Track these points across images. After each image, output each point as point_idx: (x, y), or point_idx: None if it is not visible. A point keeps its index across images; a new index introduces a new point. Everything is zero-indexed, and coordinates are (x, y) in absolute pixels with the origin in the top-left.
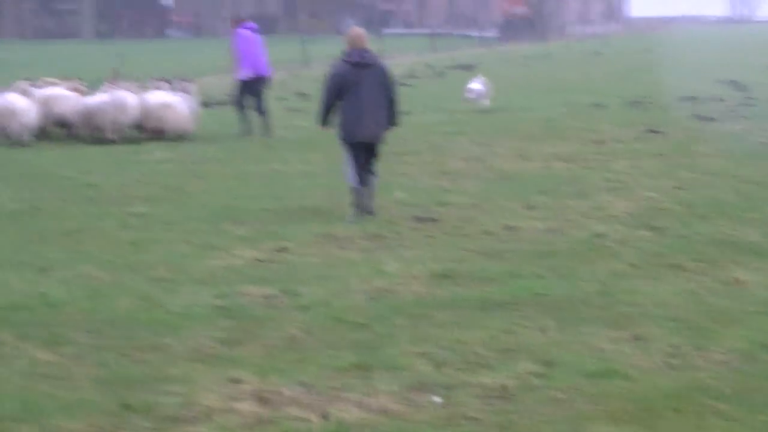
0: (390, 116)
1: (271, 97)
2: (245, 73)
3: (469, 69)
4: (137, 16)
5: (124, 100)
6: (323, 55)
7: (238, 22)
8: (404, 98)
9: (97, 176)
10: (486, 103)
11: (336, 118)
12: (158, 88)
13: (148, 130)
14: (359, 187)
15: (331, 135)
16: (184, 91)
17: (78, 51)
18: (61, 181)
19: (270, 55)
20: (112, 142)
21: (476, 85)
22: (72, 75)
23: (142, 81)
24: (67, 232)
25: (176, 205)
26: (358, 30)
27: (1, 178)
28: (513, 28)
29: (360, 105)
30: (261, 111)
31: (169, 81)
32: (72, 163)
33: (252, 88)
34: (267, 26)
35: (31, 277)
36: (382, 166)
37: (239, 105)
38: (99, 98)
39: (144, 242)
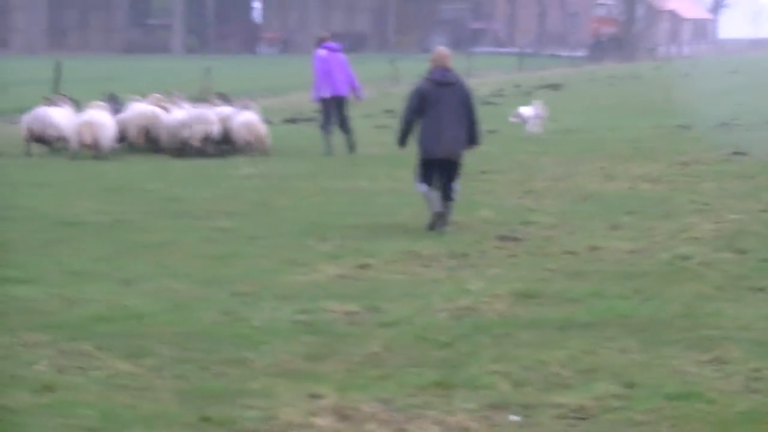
0: (470, 135)
1: (359, 114)
2: (320, 94)
3: (556, 88)
4: (227, 31)
5: (208, 115)
6: (412, 73)
7: (319, 41)
8: (491, 116)
9: (182, 190)
10: (534, 129)
11: (416, 135)
12: (246, 107)
13: (231, 144)
14: (428, 191)
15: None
16: (246, 108)
17: (168, 66)
18: (145, 194)
19: (358, 72)
20: (201, 154)
21: (527, 109)
22: (160, 89)
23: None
24: (151, 245)
25: (261, 221)
26: (441, 49)
27: (87, 191)
28: (602, 48)
29: (439, 122)
30: (345, 130)
31: (231, 99)
32: (157, 177)
33: (331, 108)
34: (356, 43)
35: (114, 289)
36: (467, 183)
37: (322, 125)
38: (183, 114)
39: (228, 257)
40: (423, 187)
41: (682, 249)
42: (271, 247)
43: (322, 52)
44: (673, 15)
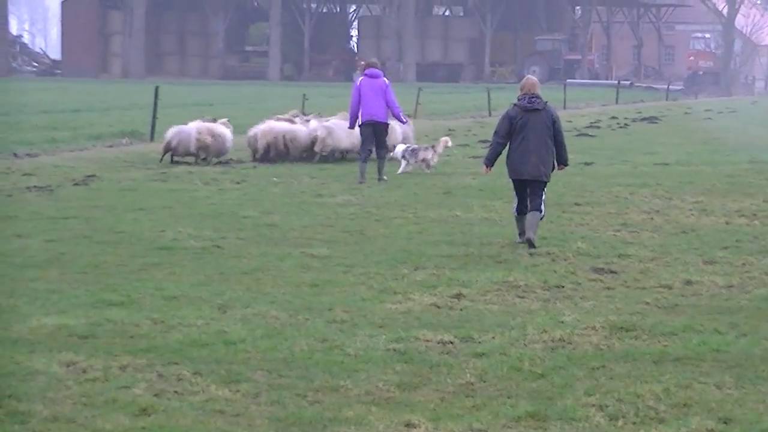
0: (559, 157)
1: (454, 143)
2: (353, 123)
3: (653, 121)
4: (324, 59)
5: (336, 128)
6: (507, 104)
7: (363, 68)
8: (587, 149)
9: (278, 217)
10: None
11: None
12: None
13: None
14: (519, 216)
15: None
16: None
17: (264, 92)
18: (242, 220)
19: (455, 102)
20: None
21: None
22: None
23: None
24: (247, 271)
25: (356, 249)
26: (529, 78)
27: (185, 217)
28: (698, 81)
29: (525, 145)
30: (378, 155)
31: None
32: (253, 203)
33: (366, 134)
34: (452, 73)
35: (210, 314)
36: (562, 215)
37: (361, 150)
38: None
39: (323, 284)
40: (515, 211)
41: None
42: (365, 275)
43: (362, 79)
44: None
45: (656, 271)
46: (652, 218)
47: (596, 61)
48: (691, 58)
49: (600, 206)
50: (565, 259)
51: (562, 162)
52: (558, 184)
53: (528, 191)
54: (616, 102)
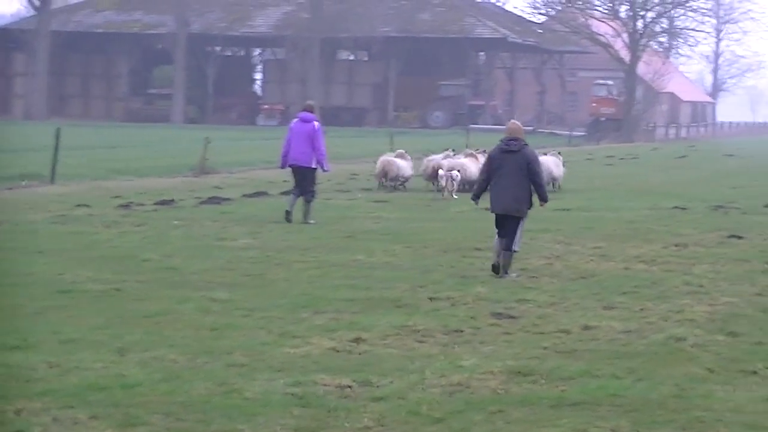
0: (538, 195)
1: (357, 187)
2: (284, 164)
3: None
4: (228, 102)
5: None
6: (411, 149)
7: (300, 110)
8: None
9: (179, 260)
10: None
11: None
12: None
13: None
14: (496, 242)
15: (418, 229)
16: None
17: (168, 135)
18: (142, 264)
19: (359, 146)
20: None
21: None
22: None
23: None
24: (146, 314)
25: (256, 292)
26: (513, 123)
27: (84, 259)
28: (600, 128)
29: (501, 183)
30: (305, 198)
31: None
32: (154, 247)
33: (294, 176)
34: (356, 118)
35: (108, 357)
36: (461, 260)
37: (293, 192)
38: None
39: (223, 328)
40: (495, 241)
41: (675, 330)
42: (265, 319)
43: (293, 122)
44: (673, 97)
45: (555, 316)
46: (551, 263)
47: (500, 106)
48: (594, 104)
49: None
50: (465, 304)
51: (541, 199)
52: (459, 229)
53: (506, 225)
54: None
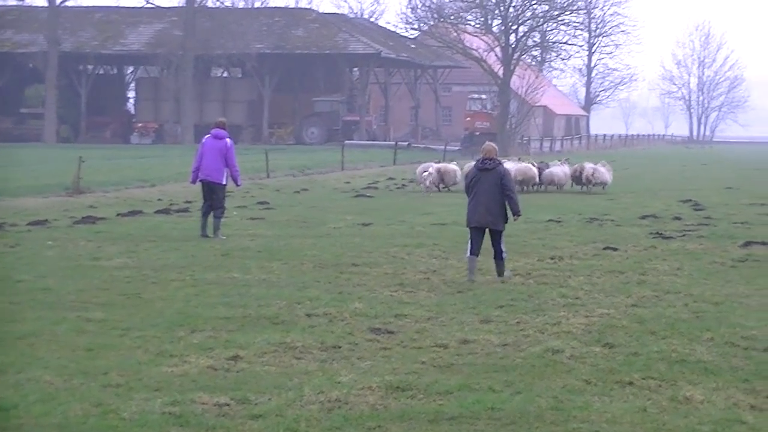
0: (511, 209)
1: (233, 205)
2: (195, 179)
3: None
4: (101, 121)
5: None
6: (286, 165)
7: (212, 127)
8: (365, 209)
9: (53, 280)
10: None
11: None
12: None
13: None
14: (471, 257)
15: (294, 245)
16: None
17: (40, 155)
18: (16, 285)
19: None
20: None
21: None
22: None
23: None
24: (20, 336)
25: (133, 312)
26: (488, 144)
27: None
28: (475, 142)
29: (477, 199)
30: (214, 214)
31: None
32: (28, 267)
33: (204, 192)
34: (231, 135)
35: None
36: (339, 276)
37: (201, 208)
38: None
39: (99, 348)
40: (467, 255)
41: (552, 343)
42: (142, 338)
43: (205, 138)
44: (546, 110)
45: (433, 330)
46: (428, 278)
47: (374, 122)
48: (468, 118)
49: (377, 267)
50: (342, 320)
51: (514, 213)
52: (336, 245)
53: (491, 239)
54: (394, 163)
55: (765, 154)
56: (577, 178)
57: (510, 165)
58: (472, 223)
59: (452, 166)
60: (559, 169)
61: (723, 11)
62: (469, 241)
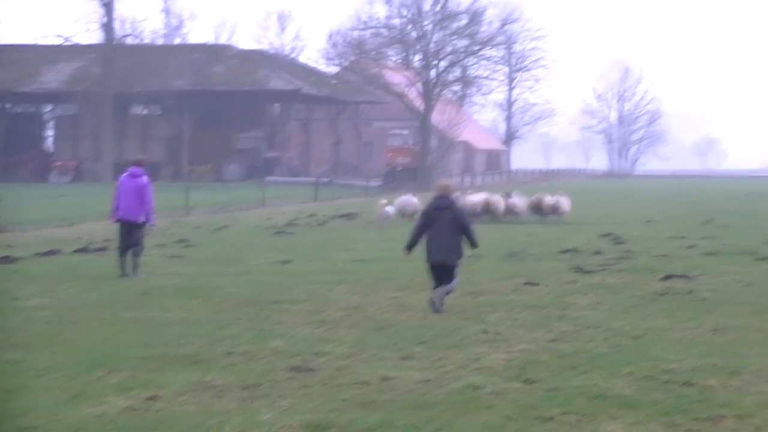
0: (469, 243)
1: (152, 243)
2: (114, 217)
3: (351, 218)
4: (18, 160)
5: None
6: (206, 203)
7: (130, 165)
8: (286, 246)
9: None
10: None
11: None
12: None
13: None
14: (437, 289)
15: (214, 283)
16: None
17: None
18: None
19: (153, 202)
20: None
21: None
22: None
23: None
24: None
25: (51, 352)
26: (443, 181)
27: None
28: (397, 178)
29: (435, 237)
30: (132, 252)
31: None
32: None
33: (122, 231)
34: (151, 173)
35: None
36: (259, 314)
37: (118, 248)
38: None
39: (16, 389)
40: (434, 288)
41: (472, 379)
42: (60, 379)
43: (122, 177)
44: (467, 145)
45: (354, 367)
46: (350, 314)
47: (296, 158)
48: (390, 154)
49: (298, 304)
50: (262, 358)
51: (473, 246)
52: (256, 282)
53: (441, 274)
54: (315, 199)
55: (684, 187)
56: (537, 208)
57: (480, 196)
58: (432, 261)
59: (414, 199)
60: (519, 200)
61: (642, 46)
62: (433, 279)
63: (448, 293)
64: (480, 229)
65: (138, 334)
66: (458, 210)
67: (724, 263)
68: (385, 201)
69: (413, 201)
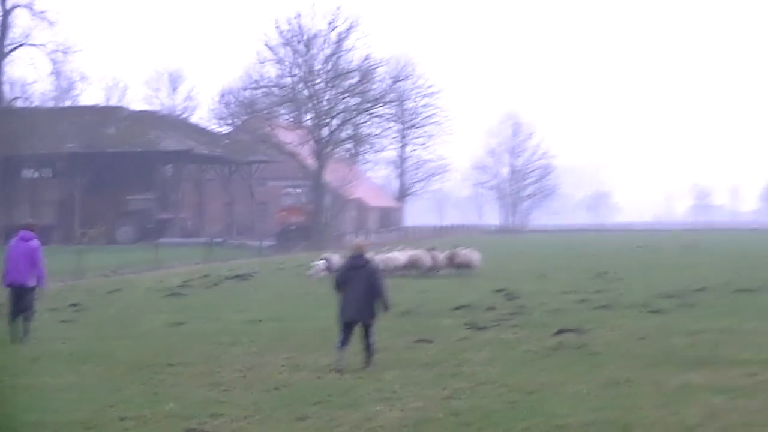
0: (381, 302)
1: (43, 308)
2: (4, 282)
3: (245, 278)
4: None
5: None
6: (98, 266)
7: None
8: (180, 308)
9: None
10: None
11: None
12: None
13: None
14: (341, 348)
15: (107, 347)
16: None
17: None
18: None
19: (45, 265)
20: None
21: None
22: None
23: None
24: None
25: None
26: (356, 240)
27: None
28: (291, 237)
29: (349, 295)
30: (23, 317)
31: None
32: None
33: (12, 296)
34: (42, 236)
35: None
36: (152, 377)
37: (9, 313)
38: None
39: None
40: (338, 346)
41: None
42: None
43: (12, 241)
44: (360, 203)
45: (248, 429)
46: (244, 376)
47: (189, 219)
48: (283, 213)
49: (192, 366)
50: (156, 422)
51: (386, 308)
52: (150, 345)
53: (363, 332)
54: (209, 260)
55: (576, 240)
56: (450, 261)
57: (405, 253)
58: (344, 318)
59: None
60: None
61: (533, 100)
62: (341, 333)
63: (371, 355)
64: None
65: (29, 401)
66: (372, 269)
67: (617, 316)
68: (322, 258)
69: (337, 258)
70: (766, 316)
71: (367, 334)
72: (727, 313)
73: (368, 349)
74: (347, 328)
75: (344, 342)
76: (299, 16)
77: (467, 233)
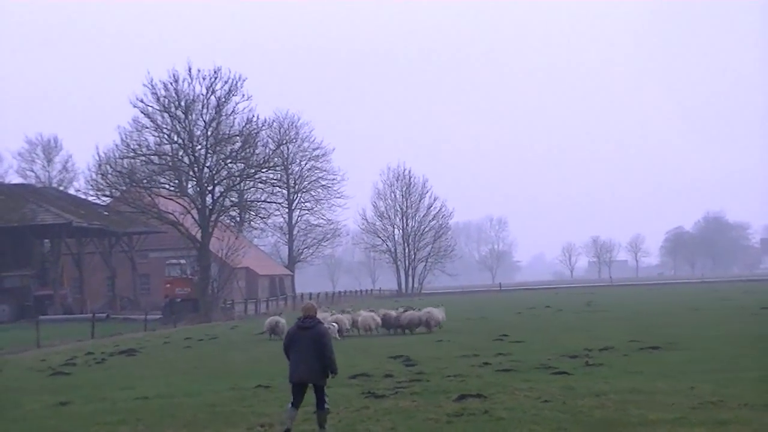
0: (326, 365)
1: None
2: None
3: (131, 354)
4: None
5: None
6: None
7: None
8: (62, 388)
9: None
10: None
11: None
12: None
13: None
14: (291, 409)
15: None
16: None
17: None
18: None
19: None
20: None
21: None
22: None
23: None
24: None
25: None
26: (308, 303)
27: None
28: (177, 309)
29: (297, 356)
30: None
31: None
32: None
33: None
34: None
35: None
36: None
37: None
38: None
39: None
40: (288, 406)
41: None
42: None
43: None
44: (249, 272)
45: None
46: None
47: (69, 295)
48: (168, 285)
49: None
50: None
51: (331, 371)
52: (31, 428)
53: (315, 393)
54: (92, 336)
55: (474, 302)
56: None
57: (367, 313)
58: (294, 380)
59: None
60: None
61: (425, 159)
62: (292, 396)
63: (325, 416)
64: (266, 355)
65: None
66: (322, 332)
67: (520, 380)
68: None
69: (281, 321)
70: (673, 375)
71: (319, 394)
72: (633, 373)
73: (320, 408)
74: (297, 389)
75: (294, 404)
76: (176, 80)
77: (361, 299)
